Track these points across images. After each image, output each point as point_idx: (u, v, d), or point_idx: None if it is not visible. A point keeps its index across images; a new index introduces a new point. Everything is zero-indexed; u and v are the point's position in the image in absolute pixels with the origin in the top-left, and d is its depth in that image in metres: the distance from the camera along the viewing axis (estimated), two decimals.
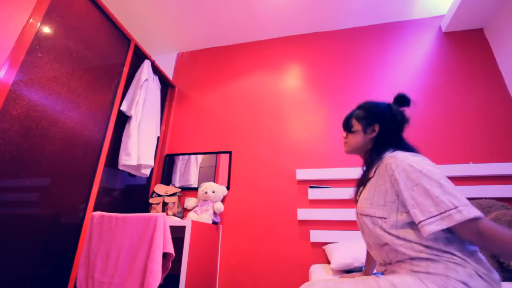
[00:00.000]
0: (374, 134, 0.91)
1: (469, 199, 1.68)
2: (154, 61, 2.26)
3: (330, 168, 1.96)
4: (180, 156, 2.34)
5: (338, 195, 1.86)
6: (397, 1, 2.20)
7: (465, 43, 2.14)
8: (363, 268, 1.36)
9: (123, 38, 1.98)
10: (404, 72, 2.16)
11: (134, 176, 2.06)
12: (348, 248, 1.50)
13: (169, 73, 2.75)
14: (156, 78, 2.33)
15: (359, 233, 1.76)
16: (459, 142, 1.86)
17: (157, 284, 1.19)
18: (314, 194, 1.91)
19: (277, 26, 2.49)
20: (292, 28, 2.52)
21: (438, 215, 0.67)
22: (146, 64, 2.13)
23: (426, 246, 0.71)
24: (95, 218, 1.43)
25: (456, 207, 0.66)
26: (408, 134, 2.01)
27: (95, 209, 1.57)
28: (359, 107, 1.02)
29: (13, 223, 1.17)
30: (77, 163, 1.51)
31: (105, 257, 1.33)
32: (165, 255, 1.32)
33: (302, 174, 1.98)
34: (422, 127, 1.95)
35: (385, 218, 0.78)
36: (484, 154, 1.79)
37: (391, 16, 2.34)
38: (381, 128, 0.90)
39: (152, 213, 1.47)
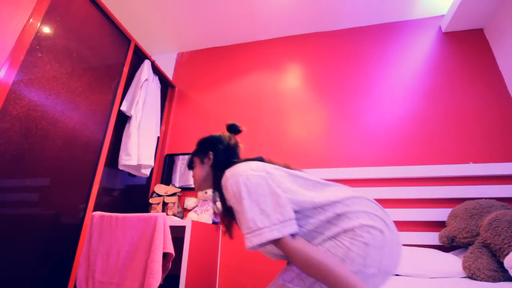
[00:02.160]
0: (210, 162, 0.96)
1: (469, 199, 1.69)
2: (154, 61, 2.26)
3: (330, 168, 1.96)
4: (180, 156, 2.34)
5: None
6: (397, 1, 2.20)
7: (465, 43, 2.14)
8: None
9: (123, 38, 1.98)
10: (404, 72, 2.16)
11: (134, 176, 2.06)
12: None
13: (169, 73, 2.75)
14: (156, 78, 2.33)
15: None
16: (459, 142, 1.86)
17: (157, 284, 1.19)
18: None
19: (277, 26, 2.49)
20: (292, 28, 2.52)
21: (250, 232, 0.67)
22: (146, 64, 2.13)
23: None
24: (95, 218, 1.43)
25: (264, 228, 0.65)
26: (409, 133, 2.01)
27: (95, 209, 1.57)
28: (196, 145, 1.07)
29: (13, 223, 1.17)
30: (77, 163, 1.51)
31: (105, 257, 1.33)
32: (165, 255, 1.32)
33: None
34: (422, 127, 1.95)
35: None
36: (483, 154, 1.79)
37: (391, 16, 2.34)
38: (215, 154, 0.96)
39: (152, 213, 1.47)
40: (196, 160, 1.01)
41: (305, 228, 0.72)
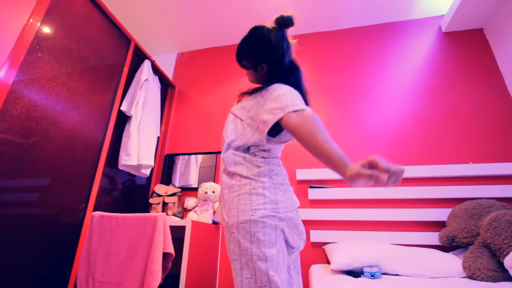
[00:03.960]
0: (263, 72, 0.97)
1: (469, 199, 1.69)
2: (154, 61, 2.26)
3: None
4: (180, 156, 2.34)
5: (338, 195, 1.86)
6: (397, 1, 2.20)
7: (465, 43, 2.14)
8: (364, 269, 1.36)
9: (123, 38, 1.98)
10: (404, 72, 2.16)
11: (134, 176, 2.06)
12: (348, 248, 1.50)
13: (169, 73, 2.75)
14: (156, 78, 2.33)
15: (359, 233, 1.76)
16: (459, 142, 1.86)
17: (157, 285, 1.19)
18: (314, 194, 1.91)
19: None
20: (292, 28, 2.51)
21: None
22: (146, 64, 2.13)
23: None
24: (95, 218, 1.43)
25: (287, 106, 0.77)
26: (409, 133, 2.01)
27: (95, 209, 1.57)
28: (244, 44, 1.01)
29: (13, 223, 1.17)
30: (77, 163, 1.51)
31: (105, 257, 1.34)
32: (165, 255, 1.32)
33: (302, 174, 1.98)
34: (422, 127, 1.95)
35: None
36: (483, 154, 1.79)
37: (391, 16, 2.34)
38: (269, 67, 0.95)
39: (152, 213, 1.47)
40: (249, 65, 0.98)
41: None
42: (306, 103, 0.92)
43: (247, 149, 0.89)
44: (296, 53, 1.06)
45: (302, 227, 0.93)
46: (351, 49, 2.38)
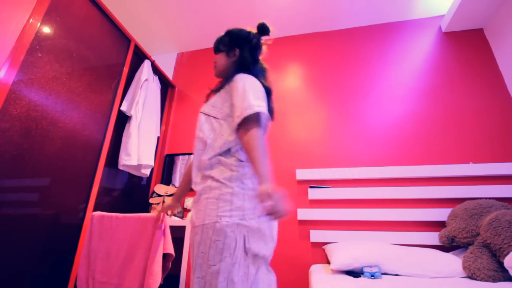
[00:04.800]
0: (234, 58, 1.04)
1: (469, 199, 1.69)
2: (154, 61, 2.26)
3: (330, 168, 1.96)
4: (180, 156, 2.34)
5: (338, 195, 1.86)
6: (397, 1, 2.20)
7: (465, 43, 2.14)
8: (364, 269, 1.36)
9: (123, 38, 1.98)
10: (404, 72, 2.16)
11: (134, 176, 2.06)
12: (348, 248, 1.50)
13: (169, 73, 2.75)
14: (156, 78, 2.33)
15: (359, 233, 1.76)
16: (459, 142, 1.86)
17: (157, 285, 1.19)
18: (314, 194, 1.91)
19: (277, 26, 2.49)
20: (292, 28, 2.52)
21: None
22: (146, 64, 2.13)
23: None
24: (95, 218, 1.43)
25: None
26: (409, 134, 2.01)
27: (95, 209, 1.57)
28: (226, 33, 1.11)
29: (13, 223, 1.17)
30: (77, 163, 1.51)
31: (105, 257, 1.34)
32: (165, 256, 1.32)
33: (302, 174, 1.98)
34: (422, 127, 1.95)
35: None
36: (484, 154, 1.79)
37: (391, 16, 2.34)
38: (240, 52, 1.03)
39: (152, 213, 1.47)
40: (224, 50, 1.07)
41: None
42: (269, 103, 0.98)
43: (228, 150, 0.88)
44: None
45: (272, 232, 0.89)
46: (351, 49, 2.38)
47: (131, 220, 1.36)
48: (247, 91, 0.86)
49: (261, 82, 0.96)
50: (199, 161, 0.91)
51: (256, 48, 1.06)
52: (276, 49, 2.57)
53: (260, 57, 1.10)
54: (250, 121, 0.82)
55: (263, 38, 1.11)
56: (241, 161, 0.87)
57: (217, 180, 0.83)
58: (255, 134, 0.82)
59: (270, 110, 0.99)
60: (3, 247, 1.12)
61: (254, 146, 0.80)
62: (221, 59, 1.07)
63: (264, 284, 0.81)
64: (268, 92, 0.99)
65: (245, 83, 0.89)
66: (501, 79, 1.96)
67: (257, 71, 1.02)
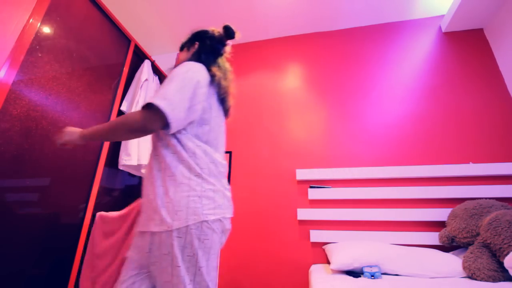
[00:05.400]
0: (193, 51, 1.06)
1: (469, 199, 1.69)
2: (154, 61, 2.26)
3: (330, 168, 1.96)
4: None
5: (338, 195, 1.86)
6: (397, 1, 2.20)
7: (465, 43, 2.14)
8: (364, 269, 1.36)
9: (123, 38, 1.98)
10: (404, 72, 2.16)
11: (134, 176, 2.06)
12: (348, 248, 1.50)
13: None
14: (156, 78, 2.33)
15: (359, 233, 1.76)
16: (459, 142, 1.86)
17: None
18: (314, 194, 1.91)
19: (277, 26, 2.49)
20: (292, 28, 2.52)
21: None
22: (146, 64, 2.13)
23: None
24: (98, 218, 1.43)
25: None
26: (409, 134, 2.01)
27: (95, 209, 1.57)
28: (191, 33, 1.15)
29: (13, 223, 1.17)
30: (77, 163, 1.51)
31: (109, 257, 1.33)
32: None
33: (302, 174, 1.98)
34: (422, 127, 1.95)
35: None
36: (483, 154, 1.79)
37: (391, 16, 2.34)
38: (199, 46, 1.05)
39: None
40: (185, 45, 1.11)
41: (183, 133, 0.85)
42: (224, 104, 0.99)
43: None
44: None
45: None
46: (351, 49, 2.38)
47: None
48: (170, 82, 0.83)
49: (209, 70, 0.94)
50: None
51: (215, 43, 1.06)
52: (276, 49, 2.57)
53: (225, 57, 1.11)
54: (145, 109, 0.80)
55: (229, 42, 1.12)
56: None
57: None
58: (130, 116, 0.81)
59: (215, 102, 0.96)
60: (3, 247, 1.12)
61: (116, 121, 0.82)
62: (183, 54, 1.10)
63: None
64: (218, 82, 0.97)
65: (177, 72, 0.86)
66: (501, 79, 1.96)
67: (209, 61, 1.00)
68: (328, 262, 1.68)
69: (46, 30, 1.36)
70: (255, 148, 2.21)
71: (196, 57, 1.00)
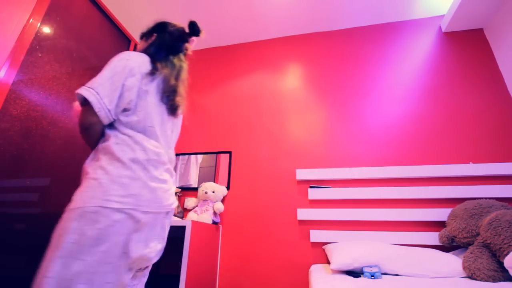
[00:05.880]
0: (150, 42, 1.05)
1: (469, 199, 1.69)
2: None
3: (330, 168, 1.96)
4: (180, 156, 2.34)
5: (338, 195, 1.86)
6: (397, 1, 2.20)
7: (465, 43, 2.14)
8: (364, 269, 1.36)
9: (123, 38, 1.98)
10: (404, 72, 2.16)
11: None
12: (348, 248, 1.50)
13: None
14: None
15: (359, 233, 1.76)
16: (459, 142, 1.86)
17: None
18: (314, 194, 1.91)
19: (277, 26, 2.49)
20: (292, 28, 2.52)
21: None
22: None
23: None
24: None
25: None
26: (408, 134, 2.01)
27: None
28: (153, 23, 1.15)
29: (13, 223, 1.17)
30: (77, 163, 1.51)
31: None
32: None
33: (302, 174, 1.98)
34: (422, 127, 1.95)
35: None
36: (484, 154, 1.79)
37: (391, 16, 2.34)
38: (156, 38, 1.05)
39: None
40: (144, 36, 1.10)
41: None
42: (169, 102, 0.97)
43: None
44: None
45: None
46: (351, 49, 2.38)
47: None
48: (104, 71, 0.85)
49: (153, 63, 0.93)
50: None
51: (173, 39, 1.05)
52: (276, 49, 2.57)
53: (184, 55, 1.11)
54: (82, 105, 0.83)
55: (194, 39, 1.13)
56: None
57: None
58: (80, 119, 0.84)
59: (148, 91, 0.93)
60: (3, 247, 1.12)
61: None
62: (140, 44, 1.10)
63: None
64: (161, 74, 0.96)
65: (111, 60, 0.88)
66: (501, 79, 1.96)
67: (158, 56, 0.98)
68: (328, 262, 1.68)
69: (46, 30, 1.36)
70: (255, 148, 2.21)
71: (147, 49, 1.00)
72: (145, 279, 0.92)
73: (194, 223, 1.58)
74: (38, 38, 1.31)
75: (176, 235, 1.80)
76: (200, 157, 2.30)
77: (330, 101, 2.22)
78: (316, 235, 1.81)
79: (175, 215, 1.97)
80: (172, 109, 0.99)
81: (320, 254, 1.80)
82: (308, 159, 2.06)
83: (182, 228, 1.56)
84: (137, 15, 2.41)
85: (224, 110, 2.44)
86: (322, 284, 1.23)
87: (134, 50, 2.08)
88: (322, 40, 2.49)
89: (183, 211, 2.09)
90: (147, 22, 1.12)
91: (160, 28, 1.07)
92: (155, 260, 0.88)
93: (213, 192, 1.97)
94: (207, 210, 1.90)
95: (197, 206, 1.99)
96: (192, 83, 2.80)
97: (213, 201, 1.97)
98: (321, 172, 1.95)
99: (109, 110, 0.81)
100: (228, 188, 2.12)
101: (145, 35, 1.08)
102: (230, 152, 2.24)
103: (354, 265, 1.38)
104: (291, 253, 1.84)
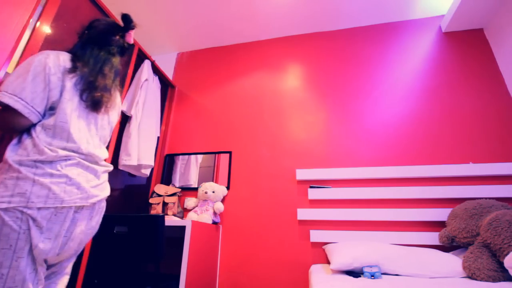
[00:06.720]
0: (83, 38, 1.07)
1: (469, 199, 1.69)
2: (154, 61, 2.26)
3: (330, 168, 1.97)
4: (180, 156, 2.34)
5: (338, 195, 1.86)
6: (397, 1, 2.20)
7: (465, 43, 2.14)
8: (364, 269, 1.36)
9: None
10: (404, 72, 2.17)
11: (134, 176, 2.06)
12: (348, 248, 1.50)
13: (169, 73, 2.75)
14: (156, 78, 2.33)
15: (359, 233, 1.76)
16: (459, 142, 1.86)
17: None
18: (314, 194, 1.91)
19: (277, 26, 2.49)
20: (292, 28, 2.52)
21: None
22: (146, 64, 2.13)
23: None
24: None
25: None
26: (408, 133, 2.01)
27: None
28: None
29: None
30: None
31: None
32: None
33: (302, 174, 1.98)
34: (422, 127, 1.95)
35: None
36: (484, 154, 1.79)
37: (391, 16, 2.34)
38: (87, 35, 1.06)
39: (152, 214, 1.47)
40: (79, 35, 1.10)
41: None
42: (88, 98, 0.97)
43: None
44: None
45: None
46: (351, 49, 2.38)
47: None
48: (23, 72, 0.84)
49: (74, 60, 0.94)
50: None
51: (98, 34, 1.06)
52: (277, 49, 2.57)
53: (114, 49, 1.10)
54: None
55: (131, 33, 1.15)
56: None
57: None
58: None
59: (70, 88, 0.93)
60: None
61: None
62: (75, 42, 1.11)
63: None
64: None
65: (31, 61, 0.87)
66: (501, 79, 1.96)
67: (80, 52, 0.99)
68: (328, 262, 1.68)
69: (46, 30, 1.36)
70: (255, 148, 2.21)
71: (72, 47, 1.02)
72: (59, 278, 0.92)
73: (194, 223, 1.58)
74: (39, 39, 1.31)
75: (176, 235, 1.80)
76: (200, 157, 2.30)
77: (330, 101, 2.22)
78: (316, 235, 1.81)
79: (175, 215, 1.97)
80: (93, 105, 0.98)
81: (320, 254, 1.80)
82: (308, 159, 2.06)
83: (182, 228, 1.56)
84: (137, 16, 2.40)
85: (224, 110, 2.44)
86: (322, 284, 1.23)
87: (138, 53, 2.09)
88: (322, 40, 2.49)
89: (183, 211, 2.09)
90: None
91: (89, 25, 1.09)
92: (66, 257, 0.90)
93: (213, 192, 1.97)
94: (207, 210, 1.90)
95: (197, 206, 1.99)
96: (192, 83, 2.83)
97: (213, 201, 1.97)
98: (321, 172, 1.95)
99: (39, 112, 0.85)
100: (228, 188, 2.12)
101: (79, 35, 1.09)
102: (230, 152, 2.24)
103: (354, 265, 1.38)
104: (291, 253, 1.84)
